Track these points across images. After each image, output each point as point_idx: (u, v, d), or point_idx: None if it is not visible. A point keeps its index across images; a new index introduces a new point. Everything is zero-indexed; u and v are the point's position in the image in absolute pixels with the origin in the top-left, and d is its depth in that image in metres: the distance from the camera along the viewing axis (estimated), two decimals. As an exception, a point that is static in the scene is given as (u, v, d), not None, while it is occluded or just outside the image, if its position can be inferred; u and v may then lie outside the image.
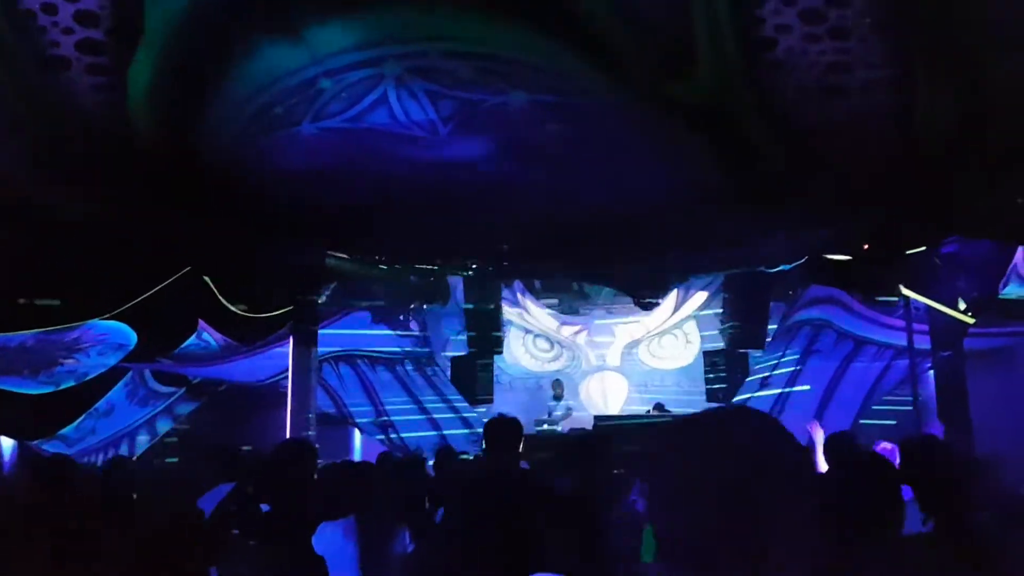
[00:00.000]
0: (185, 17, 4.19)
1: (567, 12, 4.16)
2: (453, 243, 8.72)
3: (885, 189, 6.47)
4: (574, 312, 13.80)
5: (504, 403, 12.44)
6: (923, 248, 8.26)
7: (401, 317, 11.77)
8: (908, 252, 8.45)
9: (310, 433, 8.96)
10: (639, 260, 9.19)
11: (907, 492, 2.66)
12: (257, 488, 4.31)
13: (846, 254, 8.86)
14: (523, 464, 4.10)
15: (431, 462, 7.98)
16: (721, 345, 11.77)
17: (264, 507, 4.00)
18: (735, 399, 10.71)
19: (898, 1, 4.17)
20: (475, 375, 12.12)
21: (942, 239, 7.78)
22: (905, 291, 8.71)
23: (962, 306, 8.31)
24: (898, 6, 4.20)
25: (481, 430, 11.35)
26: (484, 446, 4.11)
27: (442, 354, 12.70)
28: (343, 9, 4.06)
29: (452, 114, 5.03)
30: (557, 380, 12.97)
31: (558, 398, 12.68)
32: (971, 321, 8.26)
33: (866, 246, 8.58)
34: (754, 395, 10.46)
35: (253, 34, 4.26)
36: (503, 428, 4.05)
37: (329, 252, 9.11)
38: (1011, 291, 8.34)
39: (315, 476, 4.35)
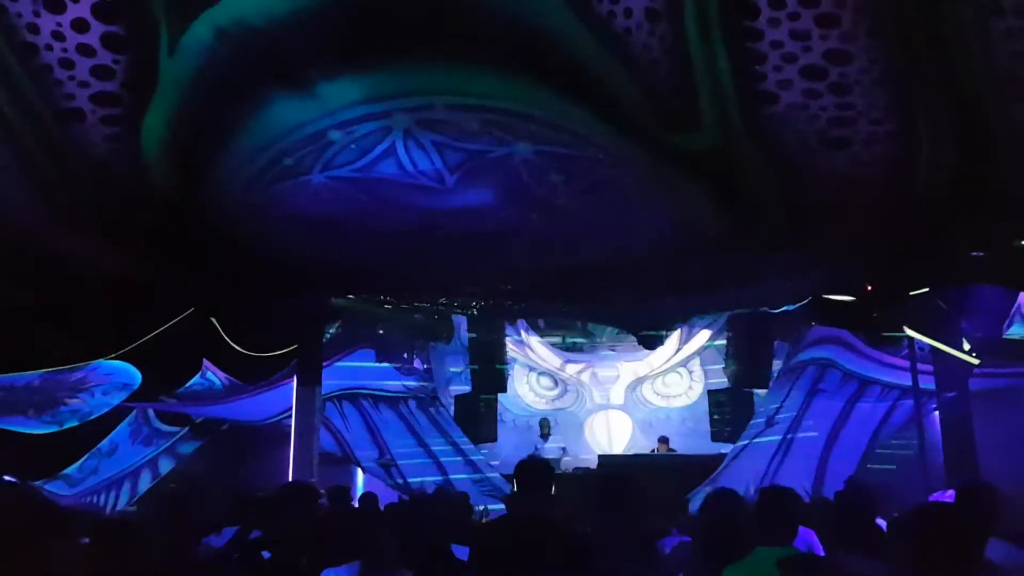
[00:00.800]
0: (198, 71, 4.28)
1: (570, 66, 4.24)
2: (457, 284, 8.76)
3: (887, 235, 6.51)
4: (578, 350, 13.82)
5: (506, 442, 12.43)
6: (927, 289, 8.29)
7: (405, 355, 11.78)
8: (912, 293, 8.48)
9: (313, 473, 8.92)
10: (641, 302, 9.22)
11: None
12: (259, 533, 4.29)
13: (850, 295, 8.89)
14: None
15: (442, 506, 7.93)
16: (726, 384, 11.76)
17: (266, 553, 3.98)
18: (741, 438, 10.67)
19: (900, 57, 4.23)
20: (479, 413, 12.11)
21: (945, 283, 7.81)
22: (909, 332, 8.73)
23: (967, 347, 8.32)
24: (900, 61, 4.27)
25: (484, 470, 11.26)
26: (516, 488, 4.02)
27: (446, 392, 12.69)
28: (354, 65, 4.14)
29: (458, 164, 5.10)
30: (544, 419, 12.97)
31: (545, 437, 12.65)
32: (976, 362, 8.26)
33: (870, 287, 8.61)
34: (759, 434, 10.42)
35: (265, 88, 4.34)
36: (537, 471, 3.98)
37: (334, 293, 9.16)
38: (1016, 331, 8.35)
39: (317, 520, 4.33)
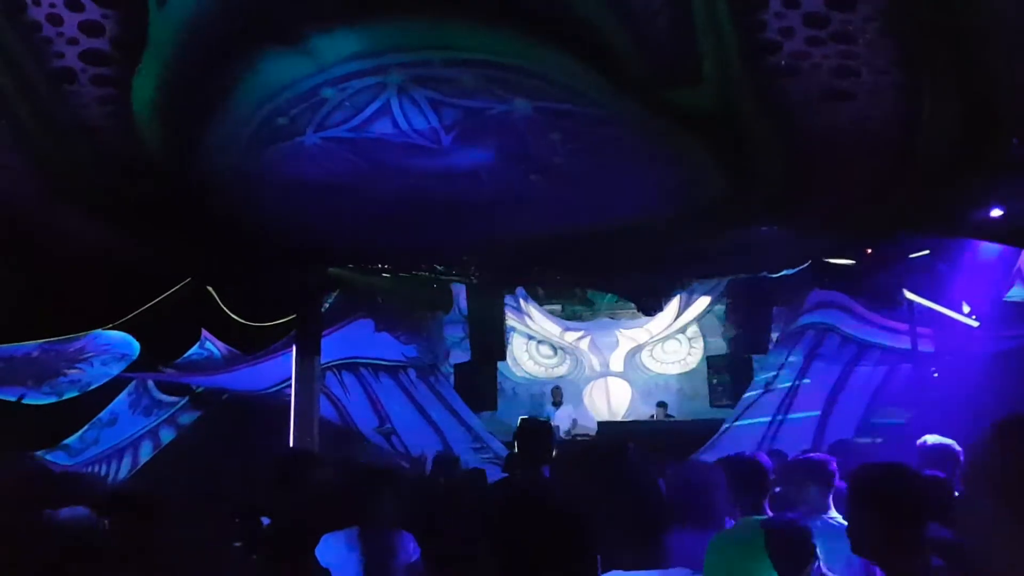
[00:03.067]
0: (189, 27, 4.20)
1: (570, 21, 4.16)
2: (456, 251, 8.71)
3: (888, 195, 6.46)
4: (577, 318, 13.82)
5: (506, 411, 12.45)
6: (927, 252, 8.26)
7: (404, 325, 11.76)
8: (912, 256, 8.45)
9: (313, 441, 8.94)
10: (641, 267, 9.18)
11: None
12: (259, 499, 4.28)
13: (850, 258, 8.86)
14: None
15: (436, 469, 7.95)
16: (725, 350, 11.77)
17: (265, 520, 3.97)
18: (739, 403, 10.70)
19: (904, 6, 4.16)
20: (478, 382, 12.12)
21: (946, 243, 7.77)
22: (909, 295, 8.71)
23: (966, 309, 8.31)
24: (904, 11, 4.19)
25: (484, 438, 11.28)
26: (516, 449, 4.05)
27: (445, 362, 12.70)
28: (348, 19, 4.06)
29: (455, 123, 5.03)
30: (556, 387, 12.98)
31: (557, 405, 12.68)
32: (976, 324, 8.25)
33: (869, 250, 8.58)
34: (758, 399, 10.45)
35: (258, 43, 4.26)
36: (536, 431, 4.01)
37: (332, 261, 9.11)
38: (1016, 294, 8.33)
39: (317, 485, 4.33)
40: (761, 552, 2.75)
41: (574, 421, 12.33)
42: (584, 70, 4.45)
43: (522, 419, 4.16)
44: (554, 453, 4.03)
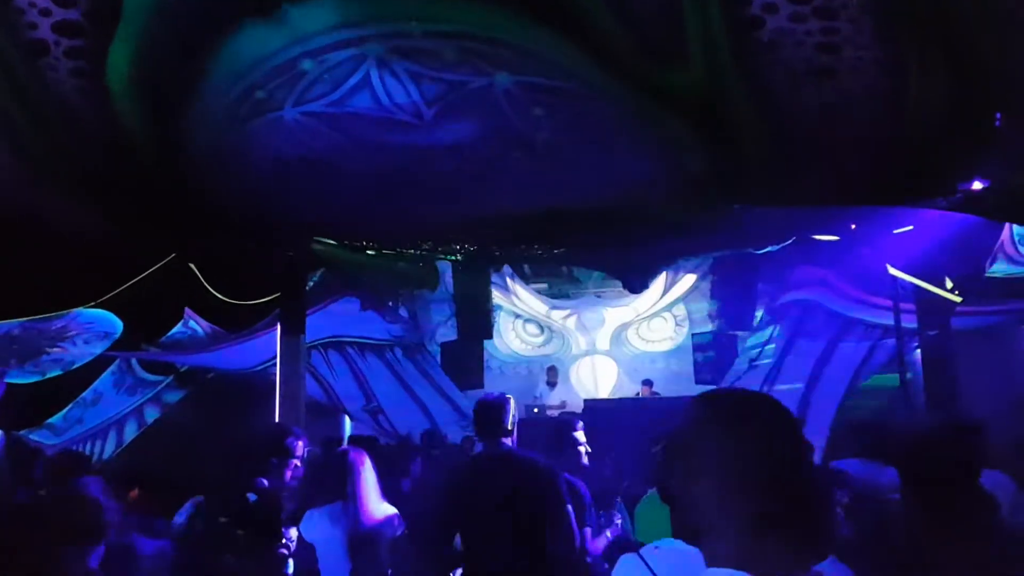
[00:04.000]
0: (163, -2, 4.13)
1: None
2: (440, 229, 8.67)
3: (873, 172, 6.46)
4: (564, 296, 13.82)
5: (493, 389, 12.46)
6: (910, 227, 8.28)
7: (390, 303, 11.73)
8: (896, 231, 8.47)
9: (300, 420, 8.93)
10: (627, 244, 9.17)
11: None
12: (242, 476, 4.27)
13: (834, 235, 8.87)
14: (511, 444, 4.12)
15: (419, 445, 7.97)
16: (710, 327, 11.80)
17: (251, 496, 3.97)
18: (723, 380, 10.75)
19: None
20: (465, 361, 12.12)
21: (930, 218, 7.79)
22: (892, 271, 8.74)
23: (949, 285, 8.34)
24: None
25: (471, 416, 11.35)
26: (475, 425, 4.14)
27: (431, 340, 12.69)
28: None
29: (436, 97, 4.97)
30: (552, 367, 13.01)
31: (552, 385, 12.70)
32: (958, 299, 8.30)
33: (853, 226, 8.59)
34: (742, 376, 10.51)
35: (233, 14, 4.19)
36: (493, 407, 4.09)
37: (315, 239, 9.04)
38: (999, 269, 8.38)
39: (301, 461, 4.34)
40: None
41: (563, 402, 12.38)
42: (567, 46, 4.40)
43: (479, 399, 4.25)
44: (511, 428, 4.10)
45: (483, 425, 4.13)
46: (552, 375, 12.91)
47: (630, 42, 4.36)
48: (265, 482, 4.01)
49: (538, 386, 12.93)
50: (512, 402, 4.14)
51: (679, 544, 2.08)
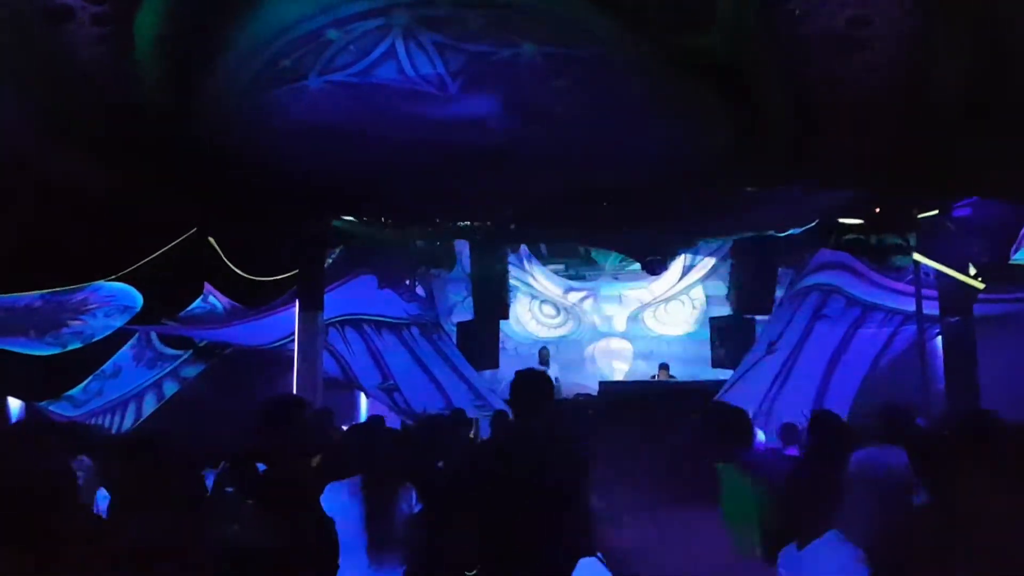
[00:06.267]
0: (190, -35, 4.11)
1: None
2: (460, 206, 8.65)
3: (897, 151, 6.38)
4: (581, 278, 13.78)
5: (508, 369, 12.47)
6: (935, 212, 8.18)
7: (407, 282, 11.75)
8: (919, 216, 8.37)
9: (317, 397, 8.97)
10: (647, 224, 9.12)
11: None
12: (253, 445, 4.20)
13: (857, 218, 8.78)
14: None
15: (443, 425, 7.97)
16: (728, 311, 11.74)
17: (260, 466, 3.92)
18: (741, 364, 10.69)
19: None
20: (481, 340, 12.13)
21: (954, 202, 7.69)
22: (916, 256, 8.65)
23: (973, 271, 8.25)
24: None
25: (486, 396, 11.33)
26: (512, 401, 3.98)
27: (448, 320, 12.70)
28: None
29: (461, 69, 4.95)
30: (544, 348, 13.01)
31: (544, 364, 12.69)
32: (981, 286, 8.20)
33: (877, 210, 8.50)
34: (759, 360, 10.43)
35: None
36: (535, 383, 3.94)
37: (335, 215, 9.05)
38: (1022, 256, 8.26)
39: (320, 435, 4.30)
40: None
41: (556, 380, 12.36)
42: (596, 11, 4.35)
43: (519, 372, 4.09)
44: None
45: (522, 400, 3.98)
46: (544, 355, 12.88)
47: (659, 5, 4.31)
48: (273, 452, 3.95)
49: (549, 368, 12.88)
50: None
51: None
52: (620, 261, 12.84)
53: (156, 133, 5.83)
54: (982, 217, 7.88)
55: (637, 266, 11.90)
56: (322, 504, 4.26)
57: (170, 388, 10.96)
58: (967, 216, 7.98)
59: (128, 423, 10.66)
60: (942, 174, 6.71)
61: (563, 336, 13.78)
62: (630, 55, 4.79)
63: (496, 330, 12.34)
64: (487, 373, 12.10)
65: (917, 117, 5.68)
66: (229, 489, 3.84)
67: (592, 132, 6.27)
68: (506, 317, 12.40)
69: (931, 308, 8.61)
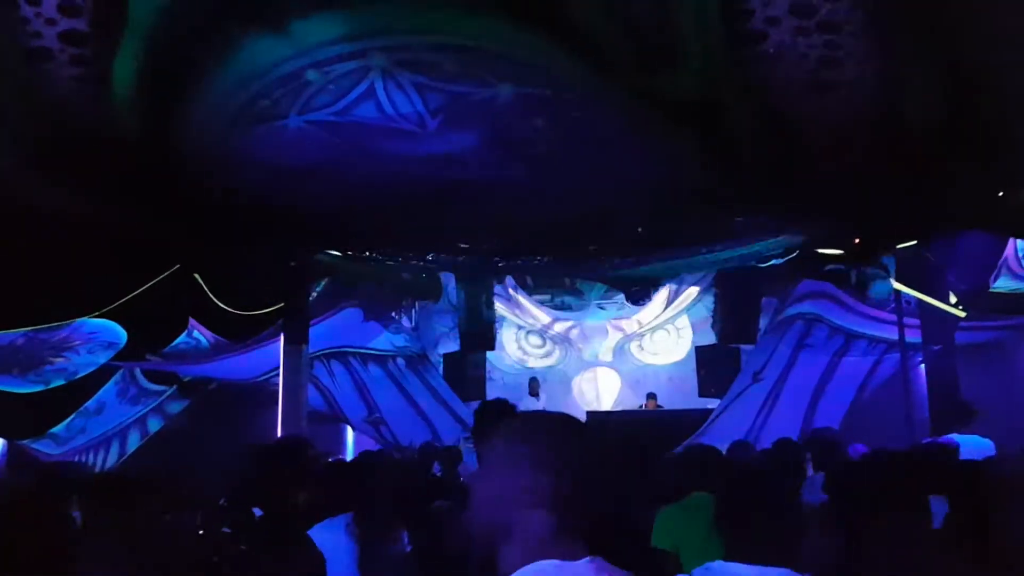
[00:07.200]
0: (169, 8, 4.16)
1: (553, 6, 4.14)
2: (443, 239, 8.69)
3: (874, 183, 6.47)
4: (567, 308, 13.79)
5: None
6: (914, 242, 8.27)
7: (393, 314, 11.74)
8: (899, 246, 8.46)
9: (302, 430, 8.91)
10: (629, 258, 9.18)
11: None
12: (247, 487, 4.21)
13: (837, 248, 8.86)
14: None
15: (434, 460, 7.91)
16: (713, 340, 11.77)
17: (256, 511, 3.91)
18: (727, 394, 10.71)
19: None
20: (467, 371, 12.11)
21: (933, 233, 7.78)
22: (896, 285, 8.73)
23: (953, 299, 8.32)
24: (889, 1, 4.19)
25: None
26: (473, 433, 4.03)
27: (434, 351, 12.67)
28: (326, 3, 4.03)
29: (440, 107, 5.00)
30: (533, 378, 12.97)
31: (535, 396, 12.65)
32: (962, 314, 8.27)
33: (857, 240, 8.58)
34: (745, 390, 10.46)
35: (238, 26, 4.22)
36: (494, 413, 3.97)
37: (319, 249, 9.07)
38: (1002, 284, 8.35)
39: (310, 472, 4.29)
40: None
41: (543, 410, 12.29)
42: (568, 56, 4.42)
43: (480, 404, 4.17)
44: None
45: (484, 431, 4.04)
46: (534, 386, 12.85)
47: (626, 48, 4.37)
48: (272, 498, 3.93)
49: (524, 399, 12.81)
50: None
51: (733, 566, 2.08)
52: (605, 291, 12.88)
53: (140, 169, 5.85)
54: (960, 247, 7.98)
55: (622, 296, 11.95)
56: (313, 540, 4.24)
57: (155, 424, 10.86)
58: (946, 246, 8.08)
59: (112, 460, 10.54)
60: (919, 205, 6.81)
61: (550, 366, 13.77)
62: (601, 96, 4.85)
63: (483, 361, 12.33)
64: (474, 404, 12.05)
65: (892, 151, 5.77)
66: (226, 530, 3.83)
67: (573, 167, 6.34)
68: (492, 348, 12.38)
69: (913, 336, 8.67)
